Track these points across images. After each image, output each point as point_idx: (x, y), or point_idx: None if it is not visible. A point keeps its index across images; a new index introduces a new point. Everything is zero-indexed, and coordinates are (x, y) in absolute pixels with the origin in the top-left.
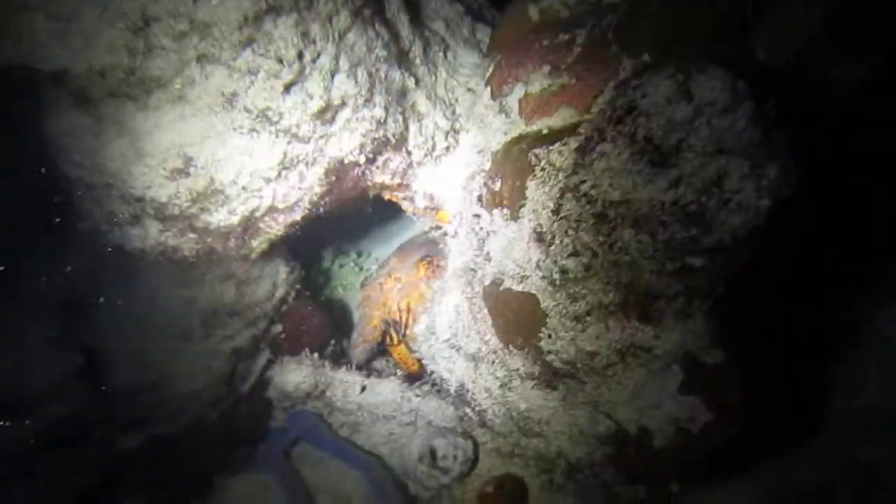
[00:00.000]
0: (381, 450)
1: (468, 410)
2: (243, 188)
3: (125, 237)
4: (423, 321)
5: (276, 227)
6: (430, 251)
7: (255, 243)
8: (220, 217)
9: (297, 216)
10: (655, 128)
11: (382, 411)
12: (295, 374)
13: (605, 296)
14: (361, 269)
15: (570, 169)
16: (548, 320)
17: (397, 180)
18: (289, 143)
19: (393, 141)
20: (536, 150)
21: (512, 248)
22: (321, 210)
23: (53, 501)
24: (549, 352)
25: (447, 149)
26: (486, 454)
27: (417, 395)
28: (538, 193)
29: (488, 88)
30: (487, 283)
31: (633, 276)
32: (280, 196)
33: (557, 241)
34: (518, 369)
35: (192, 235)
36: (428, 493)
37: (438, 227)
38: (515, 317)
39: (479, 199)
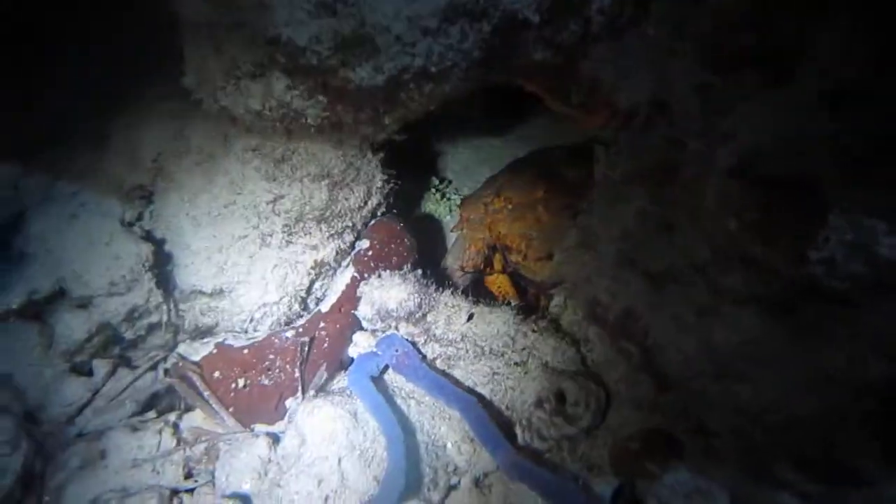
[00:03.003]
0: (481, 390)
1: (630, 347)
2: (397, 38)
3: (239, 95)
4: (572, 235)
5: (417, 101)
6: (551, 170)
7: (388, 120)
8: (364, 74)
9: (447, 87)
10: None
11: (490, 345)
12: (399, 290)
13: None
14: (444, 195)
15: None
16: (831, 218)
17: (560, 59)
18: None
19: None
20: None
21: (778, 117)
22: (468, 87)
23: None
24: (820, 262)
25: (633, 20)
26: (619, 405)
27: (534, 331)
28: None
29: None
30: (725, 166)
31: None
32: (435, 56)
33: None
34: (736, 288)
35: (321, 98)
36: (544, 444)
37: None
38: (767, 214)
39: (709, 61)
